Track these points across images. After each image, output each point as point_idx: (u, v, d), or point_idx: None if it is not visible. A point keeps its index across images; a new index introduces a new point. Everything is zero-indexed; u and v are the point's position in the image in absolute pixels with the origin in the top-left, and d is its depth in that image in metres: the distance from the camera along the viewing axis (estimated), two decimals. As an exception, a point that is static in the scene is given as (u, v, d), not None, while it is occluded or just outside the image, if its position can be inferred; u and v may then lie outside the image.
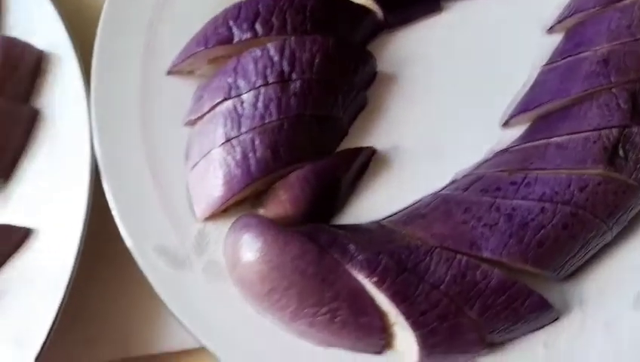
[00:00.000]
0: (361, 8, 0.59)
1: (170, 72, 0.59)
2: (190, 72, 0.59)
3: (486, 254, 0.51)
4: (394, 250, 0.51)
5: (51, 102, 0.58)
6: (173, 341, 0.57)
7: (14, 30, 0.60)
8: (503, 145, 0.58)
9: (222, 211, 0.55)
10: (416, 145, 0.59)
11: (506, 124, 0.59)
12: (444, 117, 0.60)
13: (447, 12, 0.62)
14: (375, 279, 0.49)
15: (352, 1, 0.59)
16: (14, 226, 0.55)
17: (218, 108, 0.55)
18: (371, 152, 0.58)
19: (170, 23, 0.59)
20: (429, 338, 0.50)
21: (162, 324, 0.57)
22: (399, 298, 0.49)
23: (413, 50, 0.62)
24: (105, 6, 0.58)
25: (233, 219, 0.54)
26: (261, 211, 0.55)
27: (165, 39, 0.59)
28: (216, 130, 0.54)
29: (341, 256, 0.50)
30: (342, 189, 0.57)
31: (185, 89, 0.59)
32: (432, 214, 0.54)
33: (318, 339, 0.52)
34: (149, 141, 0.57)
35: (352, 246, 0.50)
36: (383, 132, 0.60)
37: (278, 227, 0.51)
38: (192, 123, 0.57)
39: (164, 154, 0.57)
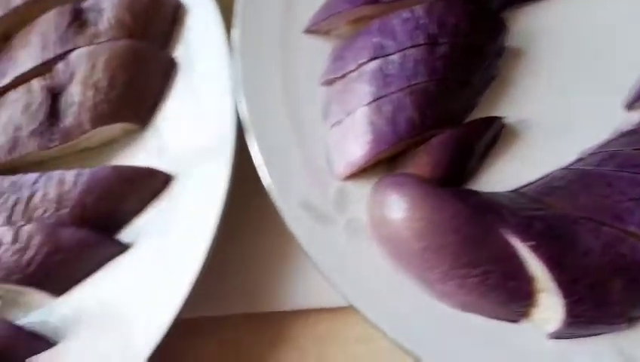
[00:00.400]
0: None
1: (308, 30, 0.58)
2: (326, 32, 0.59)
3: (631, 228, 0.51)
4: (543, 217, 0.50)
5: (190, 52, 0.57)
6: (305, 299, 0.56)
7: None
8: (629, 126, 0.58)
9: (360, 171, 0.55)
10: (544, 120, 0.59)
11: (630, 106, 0.59)
12: (571, 94, 0.60)
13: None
14: (532, 243, 0.49)
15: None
16: (156, 170, 0.54)
17: (364, 68, 0.55)
18: (501, 124, 0.58)
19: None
20: (576, 307, 0.49)
21: (291, 282, 0.57)
22: (554, 263, 0.49)
23: (542, 25, 0.61)
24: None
25: (371, 179, 0.54)
26: (399, 173, 0.54)
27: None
28: (363, 89, 0.54)
29: (494, 218, 0.50)
30: (474, 158, 0.57)
31: (321, 48, 0.58)
32: (572, 187, 0.54)
33: (460, 302, 0.51)
34: (290, 97, 0.56)
35: (505, 210, 0.50)
36: (511, 105, 0.59)
37: (430, 186, 0.51)
38: (329, 82, 0.57)
39: (304, 111, 0.56)
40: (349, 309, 0.51)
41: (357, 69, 0.55)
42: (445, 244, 0.49)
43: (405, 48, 0.54)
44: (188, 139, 0.55)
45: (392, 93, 0.53)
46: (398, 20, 0.55)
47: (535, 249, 0.49)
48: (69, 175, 0.53)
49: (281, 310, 0.56)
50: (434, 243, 0.50)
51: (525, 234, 0.49)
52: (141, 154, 0.56)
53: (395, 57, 0.54)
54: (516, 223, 0.49)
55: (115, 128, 0.56)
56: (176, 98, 0.57)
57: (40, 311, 0.52)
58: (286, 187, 0.53)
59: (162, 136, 0.56)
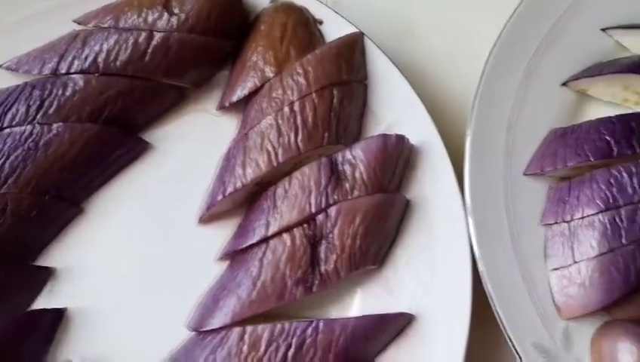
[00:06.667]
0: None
1: (526, 174, 0.64)
2: (542, 173, 0.65)
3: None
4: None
5: (422, 195, 0.63)
6: None
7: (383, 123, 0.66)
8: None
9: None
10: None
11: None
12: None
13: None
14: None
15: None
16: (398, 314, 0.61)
17: (592, 218, 0.61)
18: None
19: (524, 126, 0.65)
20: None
21: None
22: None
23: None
24: (474, 111, 0.63)
25: (589, 319, 0.60)
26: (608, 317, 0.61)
27: (520, 141, 0.65)
28: (591, 238, 0.60)
29: None
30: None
31: (538, 189, 0.64)
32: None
33: None
34: (514, 239, 0.62)
35: None
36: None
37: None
38: (550, 224, 0.63)
39: (528, 253, 0.62)
40: None
41: (585, 217, 0.61)
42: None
43: (637, 202, 0.60)
44: (424, 279, 0.61)
45: (624, 246, 0.59)
46: (627, 173, 0.61)
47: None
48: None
49: None
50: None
51: None
52: (376, 290, 0.63)
53: (624, 210, 0.60)
54: None
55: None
56: (411, 238, 0.63)
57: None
58: (518, 327, 0.59)
59: (399, 275, 0.62)
